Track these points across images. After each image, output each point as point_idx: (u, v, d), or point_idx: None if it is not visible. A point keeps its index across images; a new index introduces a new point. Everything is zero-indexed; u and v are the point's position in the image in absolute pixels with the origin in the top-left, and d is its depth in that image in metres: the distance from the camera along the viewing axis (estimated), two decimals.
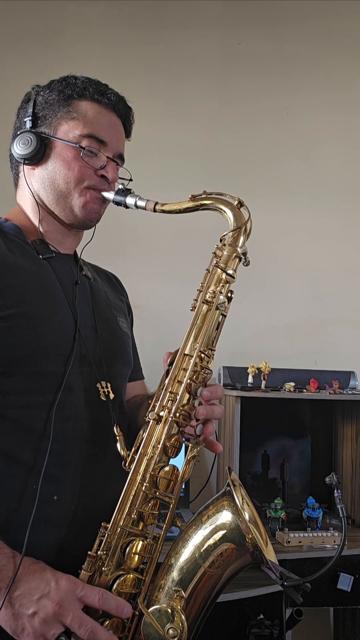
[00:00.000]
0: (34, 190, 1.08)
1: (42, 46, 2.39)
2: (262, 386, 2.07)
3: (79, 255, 1.19)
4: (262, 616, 1.73)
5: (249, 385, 2.07)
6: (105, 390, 1.05)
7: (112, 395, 1.05)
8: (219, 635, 1.70)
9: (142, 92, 2.44)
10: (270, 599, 1.73)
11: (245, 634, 1.72)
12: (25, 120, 1.08)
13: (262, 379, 2.08)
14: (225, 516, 0.92)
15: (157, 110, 2.47)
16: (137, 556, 0.89)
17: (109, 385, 1.06)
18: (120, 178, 1.12)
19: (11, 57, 2.35)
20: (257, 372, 2.10)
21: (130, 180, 1.13)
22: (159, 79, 2.52)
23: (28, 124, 1.07)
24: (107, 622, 0.86)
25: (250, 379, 2.09)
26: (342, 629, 2.27)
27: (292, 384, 2.12)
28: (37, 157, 1.05)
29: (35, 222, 1.08)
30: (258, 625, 1.71)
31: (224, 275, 1.00)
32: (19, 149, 1.05)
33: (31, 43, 2.39)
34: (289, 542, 1.86)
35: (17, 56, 2.36)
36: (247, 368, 2.11)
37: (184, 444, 0.95)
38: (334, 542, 1.91)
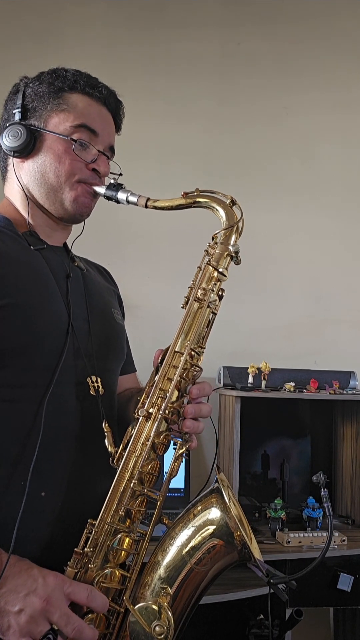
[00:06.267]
0: (23, 184, 1.07)
1: (41, 46, 2.39)
2: (262, 386, 2.07)
3: (69, 247, 1.17)
4: (262, 616, 1.73)
5: (249, 385, 2.07)
6: (95, 385, 1.03)
7: (102, 391, 1.04)
8: (219, 635, 1.70)
9: (141, 92, 2.44)
10: (270, 599, 1.73)
11: (245, 634, 1.72)
12: (14, 112, 1.06)
13: (262, 379, 2.08)
14: (213, 513, 0.91)
15: (156, 110, 2.48)
16: (123, 552, 0.89)
17: (99, 380, 1.04)
18: (110, 173, 1.11)
19: (11, 57, 2.35)
20: (257, 372, 2.10)
21: (120, 174, 1.12)
22: (158, 79, 2.52)
23: (17, 116, 1.05)
24: (91, 616, 0.85)
25: (250, 379, 2.09)
26: (342, 629, 2.27)
27: (292, 384, 2.12)
28: (27, 149, 1.04)
29: (25, 214, 1.07)
30: (258, 626, 1.71)
31: (215, 274, 0.99)
32: (8, 141, 1.03)
33: (31, 43, 2.40)
34: (289, 542, 1.86)
35: (17, 56, 2.35)
36: (247, 368, 2.11)
37: (172, 442, 0.95)
38: (334, 542, 1.90)
